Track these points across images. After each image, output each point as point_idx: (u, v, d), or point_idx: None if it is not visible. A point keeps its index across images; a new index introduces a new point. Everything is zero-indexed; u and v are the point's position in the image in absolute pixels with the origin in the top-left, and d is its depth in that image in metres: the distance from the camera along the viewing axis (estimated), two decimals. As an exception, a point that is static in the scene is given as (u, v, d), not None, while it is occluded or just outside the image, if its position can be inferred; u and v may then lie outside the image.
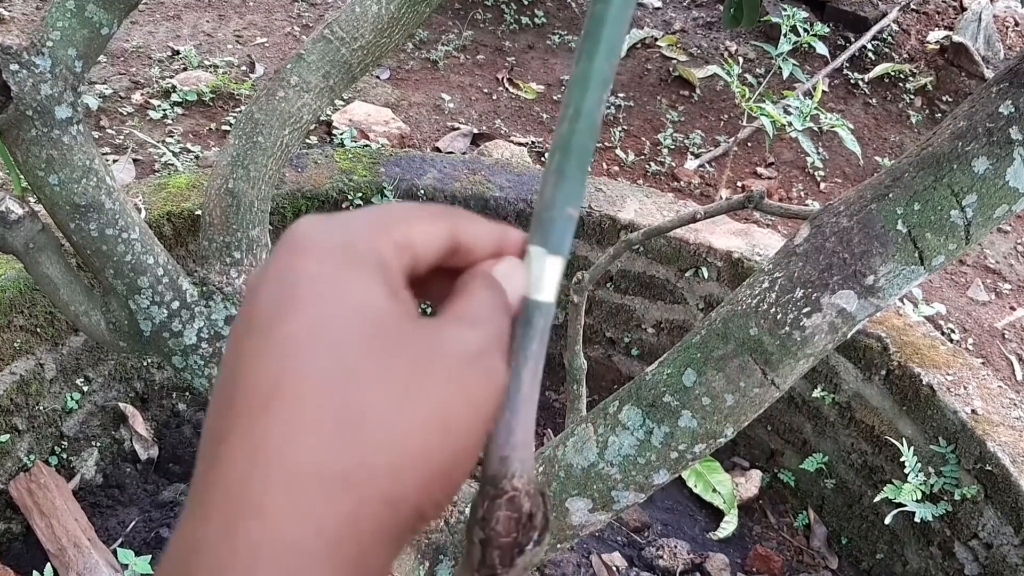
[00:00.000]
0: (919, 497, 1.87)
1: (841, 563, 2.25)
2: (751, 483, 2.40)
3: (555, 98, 3.60)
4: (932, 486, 1.91)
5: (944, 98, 3.80)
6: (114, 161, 2.60)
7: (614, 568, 2.08)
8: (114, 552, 1.94)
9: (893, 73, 3.84)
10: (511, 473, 0.46)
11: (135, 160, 2.64)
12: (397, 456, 0.32)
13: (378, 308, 0.35)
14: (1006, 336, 2.58)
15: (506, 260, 0.44)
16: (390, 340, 0.34)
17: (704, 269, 2.37)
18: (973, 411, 1.90)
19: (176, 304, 1.29)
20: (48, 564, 1.87)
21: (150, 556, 1.92)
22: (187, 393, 2.35)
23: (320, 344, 0.33)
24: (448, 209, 0.43)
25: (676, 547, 2.14)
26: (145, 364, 2.23)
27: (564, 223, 0.44)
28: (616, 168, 3.20)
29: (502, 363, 0.40)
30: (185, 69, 3.18)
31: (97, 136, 2.72)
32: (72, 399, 2.09)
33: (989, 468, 1.83)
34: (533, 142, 3.27)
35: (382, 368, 0.33)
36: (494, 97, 3.55)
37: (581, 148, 0.44)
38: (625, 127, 3.44)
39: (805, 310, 1.05)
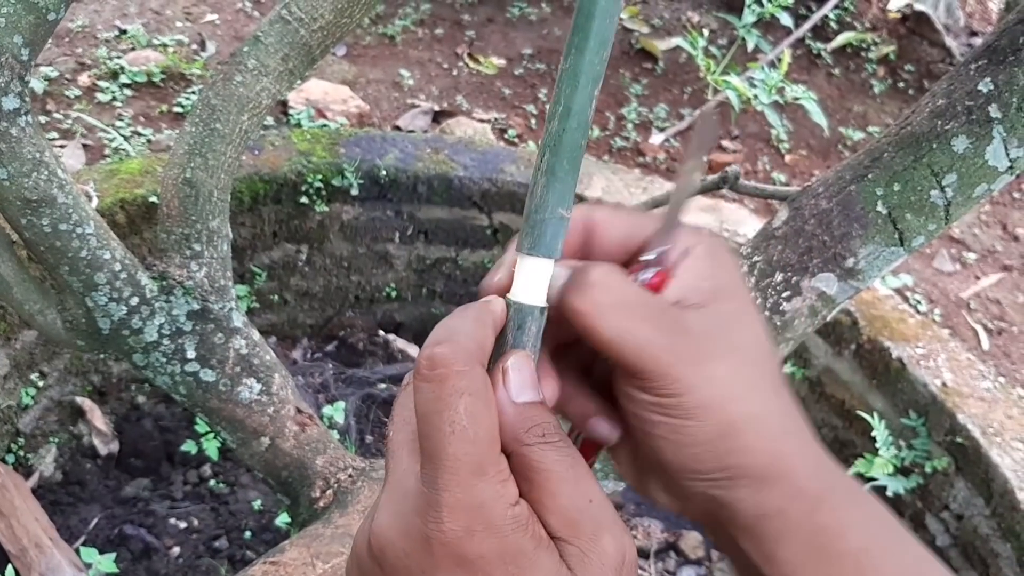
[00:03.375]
0: (891, 471, 1.88)
1: (813, 536, 2.26)
2: (722, 459, 2.40)
3: (516, 73, 3.55)
4: (903, 459, 1.92)
5: (906, 67, 3.81)
6: (62, 147, 2.51)
7: (589, 549, 2.07)
8: (77, 551, 1.89)
9: (855, 43, 3.84)
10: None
11: (84, 145, 2.55)
12: None
13: None
14: (971, 306, 2.60)
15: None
16: None
17: (672, 246, 2.35)
18: (943, 384, 1.91)
19: (135, 300, 1.24)
20: (9, 565, 1.81)
21: (114, 554, 1.88)
22: (146, 385, 2.29)
23: None
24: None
25: (650, 526, 2.14)
26: (102, 357, 2.17)
27: (556, 225, 0.42)
28: (580, 144, 3.16)
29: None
30: (133, 49, 3.08)
31: (44, 121, 2.62)
32: (27, 395, 2.02)
33: (959, 440, 1.84)
34: (496, 119, 3.22)
35: None
36: (454, 72, 3.49)
37: (572, 147, 0.43)
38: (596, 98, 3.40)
39: (785, 294, 1.03)
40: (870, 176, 0.99)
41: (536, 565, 0.36)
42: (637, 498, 2.27)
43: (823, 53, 3.79)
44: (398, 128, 3.05)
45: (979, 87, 0.94)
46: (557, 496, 0.37)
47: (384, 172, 2.41)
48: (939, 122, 0.96)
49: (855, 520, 0.41)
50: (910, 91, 3.72)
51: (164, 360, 1.27)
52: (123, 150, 2.52)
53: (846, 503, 0.41)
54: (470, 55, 3.62)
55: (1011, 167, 0.94)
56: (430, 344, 0.38)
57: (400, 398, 0.41)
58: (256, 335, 1.33)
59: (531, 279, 0.42)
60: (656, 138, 3.23)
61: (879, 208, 0.99)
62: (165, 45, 3.15)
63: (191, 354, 1.27)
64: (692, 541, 2.13)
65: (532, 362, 0.41)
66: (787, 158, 3.27)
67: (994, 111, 0.93)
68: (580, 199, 2.38)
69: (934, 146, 0.96)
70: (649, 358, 0.39)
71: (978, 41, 3.85)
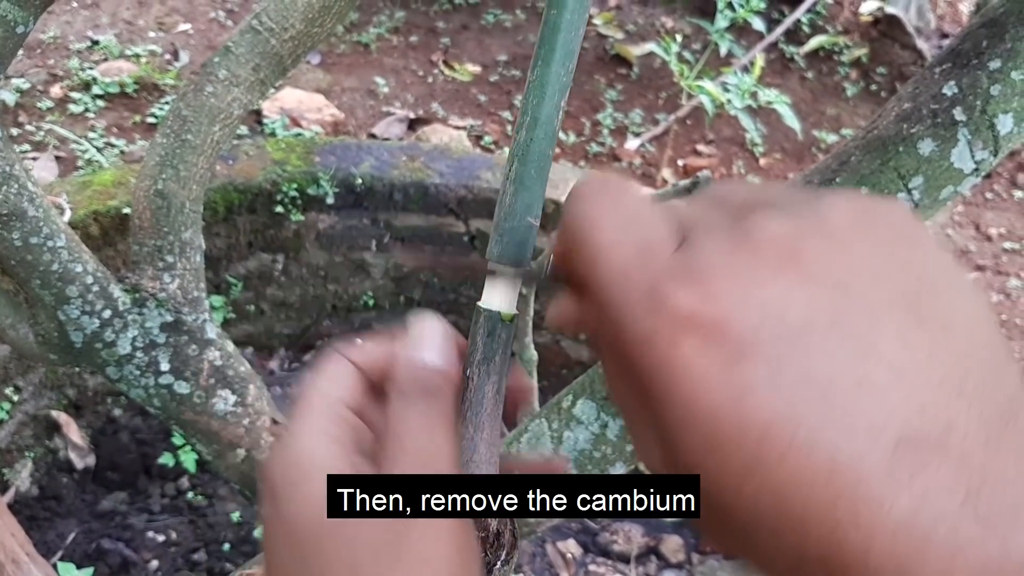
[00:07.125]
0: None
1: (792, 537, 2.27)
2: (702, 461, 2.41)
3: (491, 80, 3.55)
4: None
5: (879, 70, 3.85)
6: (34, 159, 2.49)
7: (569, 556, 2.07)
8: (54, 566, 1.87)
9: (828, 46, 3.87)
10: (475, 491, 0.44)
11: (57, 157, 2.53)
12: None
13: None
14: (944, 305, 2.62)
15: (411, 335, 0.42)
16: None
17: (648, 250, 2.36)
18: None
19: (108, 313, 1.23)
20: (-16, 583, 1.79)
21: (92, 569, 1.86)
22: (122, 398, 2.28)
23: None
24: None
25: (630, 531, 2.15)
26: (77, 370, 2.15)
27: (524, 233, 0.43)
28: (557, 150, 3.17)
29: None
30: (106, 59, 3.06)
31: (15, 133, 2.60)
32: (2, 409, 2.00)
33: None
34: (472, 126, 3.23)
35: None
36: (429, 80, 3.49)
37: (540, 156, 0.44)
38: (564, 108, 3.40)
39: (757, 298, 1.04)
40: (838, 180, 1.00)
41: None
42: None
43: (796, 57, 3.82)
44: (373, 136, 3.05)
45: (944, 90, 0.95)
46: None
47: (360, 180, 2.40)
48: (905, 125, 0.97)
49: None
50: (882, 93, 3.75)
51: (138, 373, 1.26)
52: (96, 161, 2.51)
53: None
54: (445, 62, 3.62)
55: (976, 169, 0.95)
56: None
57: None
58: (230, 346, 1.33)
59: (501, 287, 0.43)
60: (632, 143, 3.25)
61: (848, 211, 1.00)
62: (138, 55, 3.13)
63: (165, 366, 1.26)
64: (673, 545, 2.13)
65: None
66: (762, 161, 3.29)
67: (959, 114, 0.94)
68: (556, 205, 2.39)
69: (900, 149, 0.97)
70: None
71: (948, 43, 3.89)
